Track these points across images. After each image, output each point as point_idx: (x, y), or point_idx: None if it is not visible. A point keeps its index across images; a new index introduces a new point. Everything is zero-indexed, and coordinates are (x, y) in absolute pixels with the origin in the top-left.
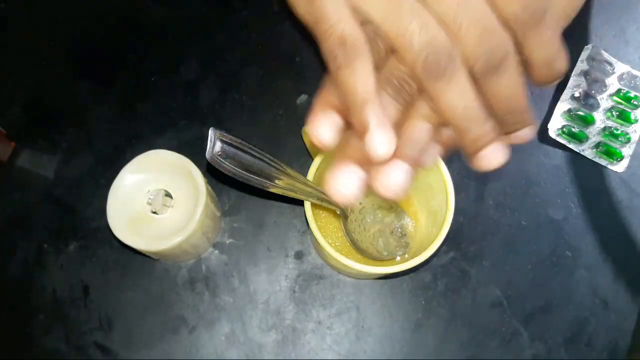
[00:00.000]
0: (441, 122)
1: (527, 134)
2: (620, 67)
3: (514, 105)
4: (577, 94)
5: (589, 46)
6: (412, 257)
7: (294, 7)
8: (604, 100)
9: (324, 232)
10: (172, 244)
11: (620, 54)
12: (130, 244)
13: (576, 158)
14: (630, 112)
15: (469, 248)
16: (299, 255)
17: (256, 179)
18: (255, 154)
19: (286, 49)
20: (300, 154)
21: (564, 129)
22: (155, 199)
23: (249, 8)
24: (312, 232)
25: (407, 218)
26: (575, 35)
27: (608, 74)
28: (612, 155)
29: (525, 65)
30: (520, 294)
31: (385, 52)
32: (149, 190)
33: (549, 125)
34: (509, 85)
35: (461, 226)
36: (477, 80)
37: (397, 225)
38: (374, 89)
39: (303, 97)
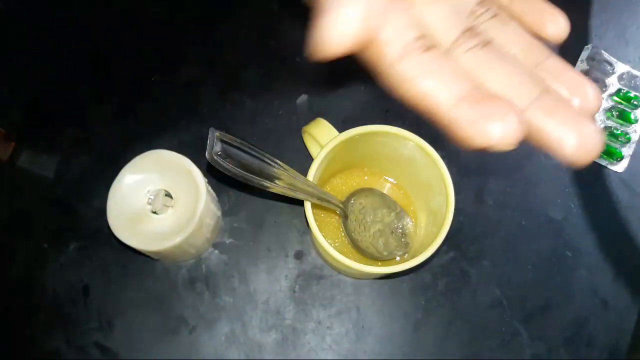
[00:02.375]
0: None
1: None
2: (620, 67)
3: None
4: None
5: (589, 46)
6: (412, 257)
7: None
8: (604, 100)
9: (324, 232)
10: (172, 244)
11: (620, 54)
12: (130, 244)
13: None
14: (630, 112)
15: (469, 248)
16: (299, 255)
17: (256, 179)
18: (255, 154)
19: (286, 49)
20: (300, 154)
21: None
22: (155, 199)
23: (249, 8)
24: (312, 232)
25: (407, 218)
26: (575, 35)
27: (608, 74)
28: (612, 155)
29: None
30: (520, 294)
31: None
32: (149, 190)
33: None
34: None
35: (461, 226)
36: None
37: (397, 225)
38: None
39: (303, 97)
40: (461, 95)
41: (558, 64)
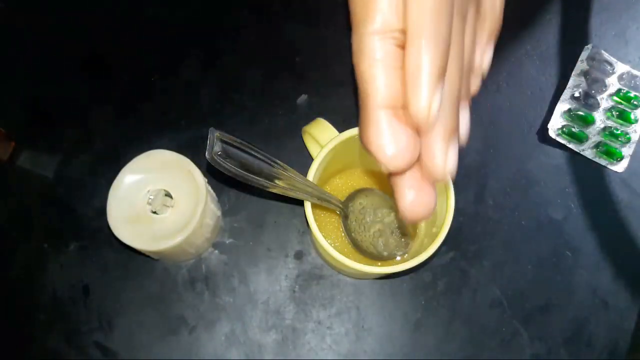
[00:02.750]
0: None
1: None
2: (620, 67)
3: None
4: (577, 94)
5: (589, 46)
6: (412, 257)
7: None
8: (604, 100)
9: (323, 232)
10: (172, 244)
11: (620, 54)
12: (130, 244)
13: (576, 158)
14: (630, 112)
15: (469, 248)
16: (299, 255)
17: (256, 179)
18: (255, 154)
19: (286, 49)
20: (300, 154)
21: (564, 129)
22: (155, 199)
23: (249, 8)
24: (312, 232)
25: None
26: (575, 35)
27: (608, 74)
28: (612, 155)
29: None
30: (520, 294)
31: None
32: (149, 190)
33: (549, 125)
34: None
35: (461, 226)
36: None
37: (397, 225)
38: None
39: (303, 97)
40: (389, 105)
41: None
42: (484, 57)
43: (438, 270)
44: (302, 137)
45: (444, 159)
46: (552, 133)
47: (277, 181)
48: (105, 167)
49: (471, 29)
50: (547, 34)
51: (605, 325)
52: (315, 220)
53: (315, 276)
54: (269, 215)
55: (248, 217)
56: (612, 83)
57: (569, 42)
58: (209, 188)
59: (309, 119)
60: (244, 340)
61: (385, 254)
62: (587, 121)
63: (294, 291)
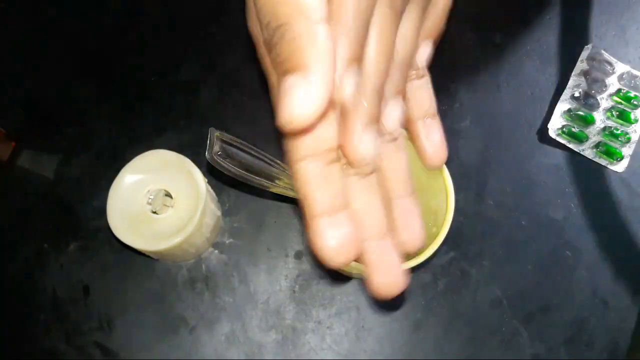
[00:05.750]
0: None
1: None
2: (620, 67)
3: None
4: (577, 94)
5: (589, 46)
6: (412, 257)
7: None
8: (604, 100)
9: None
10: (172, 244)
11: (620, 54)
12: (130, 244)
13: (576, 158)
14: (630, 112)
15: (469, 248)
16: (299, 255)
17: (256, 179)
18: (255, 154)
19: None
20: None
21: (564, 129)
22: (155, 199)
23: None
24: None
25: None
26: (575, 35)
27: (608, 74)
28: (612, 155)
29: None
30: (520, 294)
31: None
32: (149, 190)
33: (549, 125)
34: None
35: (461, 226)
36: None
37: None
38: None
39: None
40: (323, 212)
41: (410, 206)
42: (419, 54)
43: (438, 270)
44: None
45: (359, 142)
46: (552, 133)
47: (277, 181)
48: (105, 167)
49: (412, 26)
50: (547, 34)
51: (605, 325)
52: None
53: (315, 276)
54: (269, 215)
55: (248, 217)
56: (612, 83)
57: (569, 42)
58: (209, 188)
59: None
60: (244, 340)
61: None
62: (587, 121)
63: (294, 291)
